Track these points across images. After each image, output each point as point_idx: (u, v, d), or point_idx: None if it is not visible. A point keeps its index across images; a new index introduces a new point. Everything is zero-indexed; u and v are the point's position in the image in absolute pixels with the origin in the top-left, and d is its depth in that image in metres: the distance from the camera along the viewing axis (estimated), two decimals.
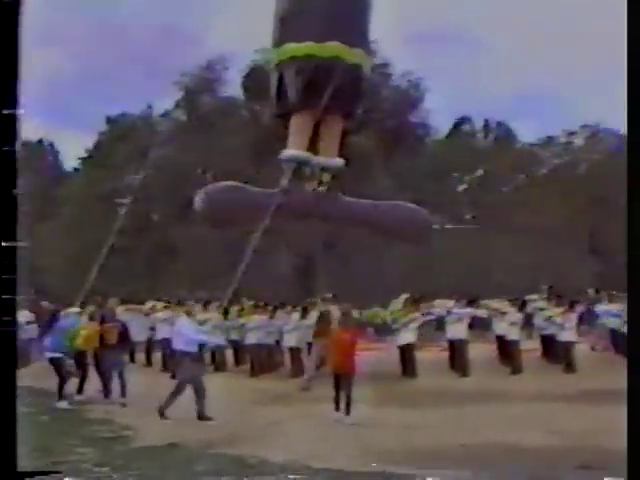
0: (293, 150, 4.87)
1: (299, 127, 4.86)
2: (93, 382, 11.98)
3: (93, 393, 11.95)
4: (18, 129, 3.56)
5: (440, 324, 16.07)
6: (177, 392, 10.11)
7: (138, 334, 15.81)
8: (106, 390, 11.81)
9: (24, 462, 3.93)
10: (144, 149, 30.92)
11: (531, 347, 15.21)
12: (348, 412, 9.93)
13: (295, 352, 14.96)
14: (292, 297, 19.23)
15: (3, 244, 3.48)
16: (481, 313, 15.23)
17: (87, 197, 31.37)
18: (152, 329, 16.72)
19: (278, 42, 4.82)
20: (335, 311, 13.45)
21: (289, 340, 15.06)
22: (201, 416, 9.86)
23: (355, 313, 14.53)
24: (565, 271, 26.98)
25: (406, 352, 14.19)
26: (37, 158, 36.11)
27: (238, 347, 16.18)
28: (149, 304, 17.68)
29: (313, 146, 4.93)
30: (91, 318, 12.44)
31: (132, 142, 31.99)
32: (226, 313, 15.58)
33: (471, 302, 15.16)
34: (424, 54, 46.19)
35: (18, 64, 3.49)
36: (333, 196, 4.91)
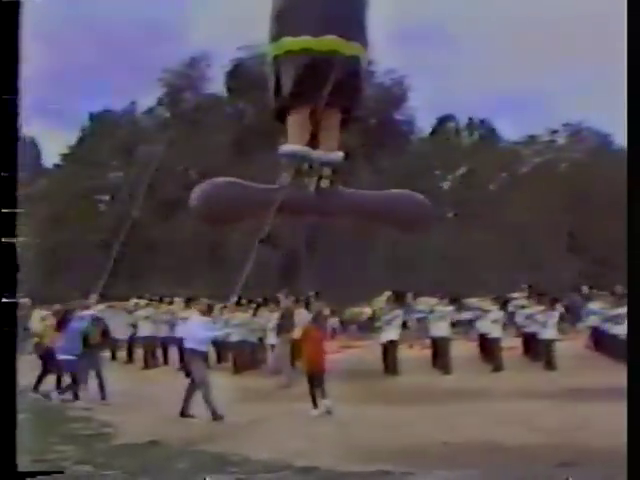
0: (292, 145, 4.83)
1: (297, 122, 4.80)
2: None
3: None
4: (19, 128, 3.50)
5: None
6: (193, 390, 10.04)
7: (120, 331, 15.78)
8: (75, 387, 11.53)
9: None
10: (127, 146, 30.78)
11: (512, 345, 15.29)
12: (315, 405, 9.98)
13: None
14: (275, 295, 19.18)
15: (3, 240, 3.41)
16: (465, 316, 15.34)
17: (67, 194, 31.16)
18: (134, 326, 16.72)
19: (275, 37, 4.77)
20: (324, 308, 13.49)
21: (272, 337, 15.02)
22: (215, 416, 9.75)
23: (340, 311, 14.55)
24: (546, 268, 27.19)
25: (389, 349, 14.23)
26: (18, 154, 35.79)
27: (220, 344, 16.10)
28: (132, 301, 17.65)
29: (312, 140, 4.87)
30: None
31: (115, 139, 31.84)
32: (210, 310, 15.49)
33: (454, 301, 15.22)
34: (408, 52, 46.36)
35: (18, 64, 3.44)
36: (335, 190, 4.86)
